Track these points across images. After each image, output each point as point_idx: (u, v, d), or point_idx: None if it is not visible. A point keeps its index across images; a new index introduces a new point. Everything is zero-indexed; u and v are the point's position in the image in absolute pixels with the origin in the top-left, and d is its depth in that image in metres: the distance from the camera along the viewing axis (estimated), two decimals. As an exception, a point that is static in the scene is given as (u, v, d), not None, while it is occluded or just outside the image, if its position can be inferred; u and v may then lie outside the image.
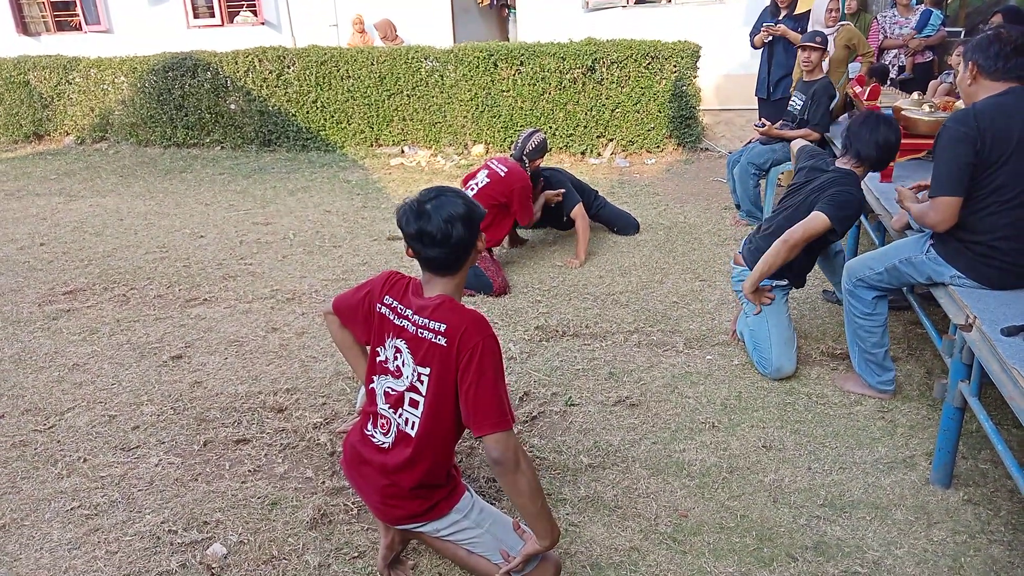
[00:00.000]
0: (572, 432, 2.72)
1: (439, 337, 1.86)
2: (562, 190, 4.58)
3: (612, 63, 7.04)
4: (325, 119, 7.99)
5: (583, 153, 7.37)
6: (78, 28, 10.69)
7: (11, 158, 8.48)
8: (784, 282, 3.12)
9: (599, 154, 7.33)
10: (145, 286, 4.34)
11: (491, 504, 2.08)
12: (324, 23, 9.86)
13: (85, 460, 2.65)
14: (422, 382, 1.90)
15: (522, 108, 7.37)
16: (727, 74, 8.68)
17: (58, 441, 2.78)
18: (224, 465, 2.60)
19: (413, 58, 7.55)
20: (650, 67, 7.00)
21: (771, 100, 5.81)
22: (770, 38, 5.69)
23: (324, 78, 7.81)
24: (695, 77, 7.11)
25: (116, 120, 8.63)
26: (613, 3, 9.05)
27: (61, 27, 10.81)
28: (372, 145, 7.98)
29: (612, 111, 7.19)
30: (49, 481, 2.54)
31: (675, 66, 6.97)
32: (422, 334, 1.89)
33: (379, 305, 2.02)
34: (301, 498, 2.39)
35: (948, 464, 2.34)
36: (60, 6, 10.74)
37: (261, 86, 7.98)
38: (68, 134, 8.92)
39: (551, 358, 3.29)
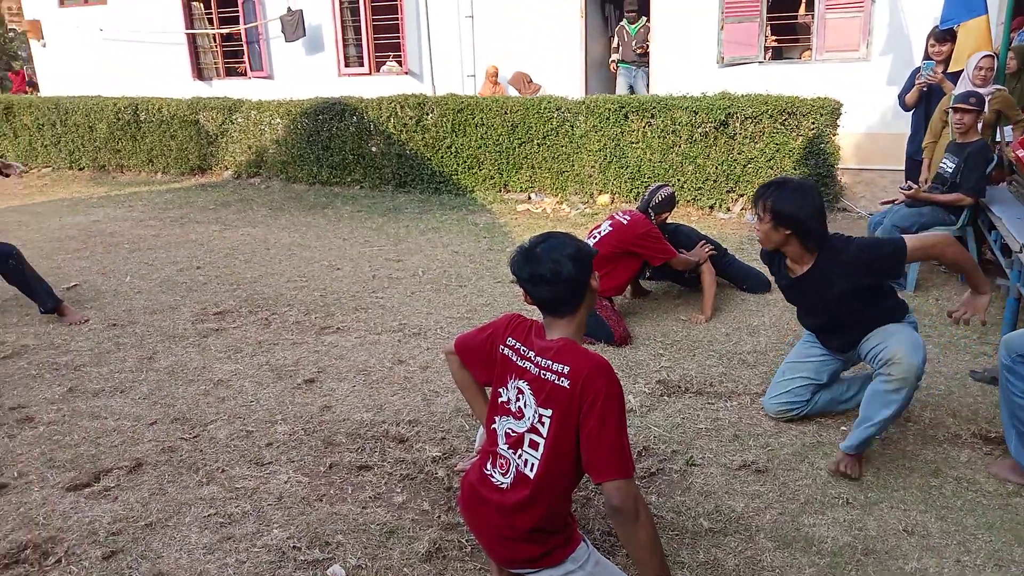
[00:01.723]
0: (692, 493, 2.63)
1: (562, 379, 1.87)
2: (707, 244, 4.55)
3: (746, 118, 6.93)
4: (458, 164, 8.31)
5: (711, 207, 7.25)
6: (244, 74, 11.76)
7: (178, 188, 9.36)
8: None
9: (728, 209, 7.18)
10: (285, 312, 4.62)
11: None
12: (463, 73, 10.34)
13: (223, 471, 2.82)
14: (543, 424, 1.90)
15: (651, 160, 7.37)
16: (868, 132, 8.33)
17: (200, 450, 2.98)
18: (347, 489, 2.69)
19: (545, 108, 7.75)
20: (786, 123, 6.84)
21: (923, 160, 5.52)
22: (926, 88, 5.43)
23: (459, 125, 8.16)
24: (834, 135, 6.87)
25: (270, 158, 9.35)
26: (749, 59, 8.95)
27: (230, 73, 11.93)
28: (500, 191, 8.21)
29: (744, 166, 7.05)
30: (191, 487, 2.72)
31: (813, 123, 6.77)
32: (545, 376, 1.91)
33: (502, 346, 2.06)
34: (417, 530, 2.44)
35: None
36: (230, 54, 11.87)
37: (401, 131, 8.43)
38: (227, 169, 9.75)
39: (672, 414, 3.20)
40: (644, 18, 9.19)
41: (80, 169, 10.69)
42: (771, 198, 2.69)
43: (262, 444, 3.02)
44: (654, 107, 7.26)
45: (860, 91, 8.14)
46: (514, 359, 2.01)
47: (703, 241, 4.60)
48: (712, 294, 4.43)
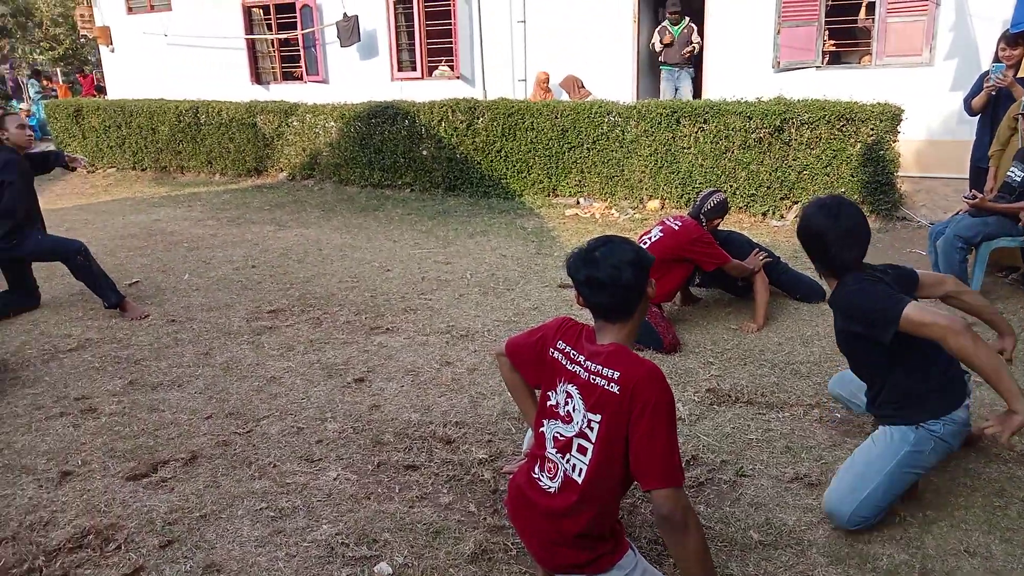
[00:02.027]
0: (742, 504, 2.58)
1: (612, 384, 1.86)
2: (761, 252, 4.47)
3: (802, 124, 6.79)
4: (507, 168, 8.34)
5: (764, 214, 7.12)
6: (300, 78, 12.02)
7: (235, 189, 9.62)
8: None
9: (782, 216, 7.04)
10: (336, 312, 4.70)
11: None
12: (514, 78, 10.38)
13: (275, 466, 2.88)
14: (592, 429, 1.90)
15: (702, 166, 7.28)
16: (930, 139, 8.08)
17: (253, 445, 3.05)
18: (394, 488, 2.72)
19: (596, 113, 7.73)
20: (844, 129, 6.68)
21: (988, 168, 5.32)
22: (995, 92, 5.24)
23: (509, 129, 8.18)
24: (895, 141, 6.68)
25: (323, 160, 9.53)
26: (806, 63, 8.77)
27: (287, 77, 12.21)
28: (549, 195, 8.21)
29: (799, 173, 6.91)
30: (244, 480, 2.78)
31: (872, 129, 6.60)
32: (594, 380, 1.90)
33: (552, 349, 2.06)
34: (463, 531, 2.45)
35: None
36: (287, 60, 12.15)
37: (452, 135, 8.50)
38: (282, 171, 9.97)
39: (722, 424, 3.15)
40: (687, 19, 9.06)
41: (143, 170, 11.06)
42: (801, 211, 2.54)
43: (312, 441, 3.07)
44: (707, 112, 7.17)
45: (922, 96, 7.91)
46: (564, 363, 2.01)
47: (757, 249, 4.52)
48: (765, 302, 4.34)
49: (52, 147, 11.13)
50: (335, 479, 2.78)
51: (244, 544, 2.40)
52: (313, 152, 9.61)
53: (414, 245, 6.50)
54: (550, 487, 1.97)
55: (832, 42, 9.02)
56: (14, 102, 15.42)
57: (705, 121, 7.19)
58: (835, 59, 9.11)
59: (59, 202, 9.28)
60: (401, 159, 8.90)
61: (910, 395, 2.41)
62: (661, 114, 7.36)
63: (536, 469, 2.04)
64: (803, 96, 7.03)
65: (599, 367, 1.90)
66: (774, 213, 7.08)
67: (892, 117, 6.59)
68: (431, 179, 8.80)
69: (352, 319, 4.56)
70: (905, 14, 8.26)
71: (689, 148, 7.30)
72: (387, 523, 2.50)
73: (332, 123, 9.36)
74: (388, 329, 4.38)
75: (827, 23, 8.68)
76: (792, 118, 6.81)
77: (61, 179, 10.65)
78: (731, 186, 7.15)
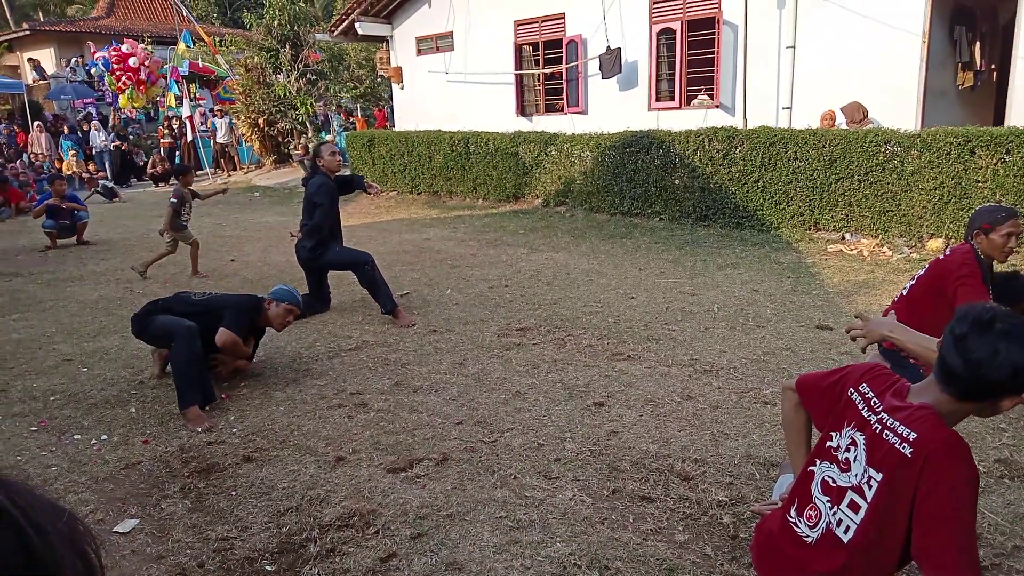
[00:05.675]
0: (1039, 603, 2.17)
1: (904, 445, 1.65)
2: None
3: None
4: (764, 199, 7.94)
5: (1084, 261, 5.98)
6: (560, 110, 12.56)
7: (495, 213, 10.30)
8: None
9: (1109, 264, 5.86)
10: (580, 334, 4.80)
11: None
12: (777, 106, 9.88)
13: (515, 478, 3.01)
14: (870, 487, 1.71)
15: (1000, 201, 6.31)
16: None
17: (497, 455, 3.21)
18: (628, 517, 2.69)
19: (871, 142, 7.08)
20: None
21: None
22: None
23: (769, 159, 7.80)
24: None
25: (576, 188, 9.85)
26: None
27: (548, 109, 12.84)
28: (810, 229, 7.67)
29: None
30: (486, 488, 2.94)
31: None
32: (885, 435, 1.71)
33: (851, 390, 1.89)
34: (698, 572, 2.35)
35: None
36: (550, 92, 12.78)
37: (707, 164, 8.32)
38: (538, 197, 10.47)
39: (1016, 502, 2.68)
40: None
41: (418, 194, 12.29)
42: None
43: (551, 458, 3.16)
44: (1010, 141, 6.23)
45: None
46: (860, 407, 1.83)
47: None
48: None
49: (349, 172, 12.81)
50: (571, 499, 2.83)
51: (484, 548, 2.53)
52: (567, 180, 9.97)
53: (660, 274, 6.44)
54: (808, 536, 1.82)
55: None
56: (323, 133, 18.04)
57: (1008, 151, 6.25)
58: None
59: (350, 220, 10.61)
60: (652, 188, 8.89)
61: None
62: (951, 143, 6.54)
63: (793, 512, 1.89)
64: None
65: (895, 423, 1.70)
66: (1098, 260, 5.92)
67: None
68: (681, 208, 8.67)
69: (595, 343, 4.63)
70: None
71: (985, 182, 6.39)
72: (620, 551, 2.48)
73: (587, 152, 9.64)
74: (629, 356, 4.38)
75: None
76: None
77: (353, 200, 12.20)
78: (1040, 226, 6.11)
